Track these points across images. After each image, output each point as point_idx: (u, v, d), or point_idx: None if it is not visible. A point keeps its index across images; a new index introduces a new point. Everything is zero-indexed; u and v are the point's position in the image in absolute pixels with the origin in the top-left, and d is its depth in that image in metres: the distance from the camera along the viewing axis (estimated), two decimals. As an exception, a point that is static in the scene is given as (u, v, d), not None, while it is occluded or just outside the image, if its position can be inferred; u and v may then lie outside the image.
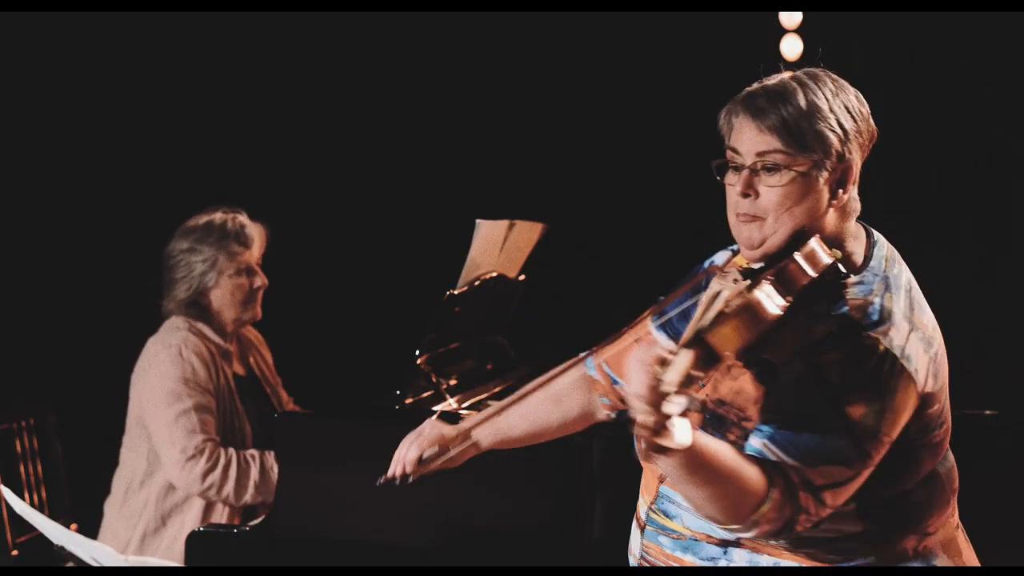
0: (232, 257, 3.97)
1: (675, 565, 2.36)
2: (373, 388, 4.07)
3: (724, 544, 2.31)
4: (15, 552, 4.00)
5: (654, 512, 2.39)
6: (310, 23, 5.36)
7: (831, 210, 2.29)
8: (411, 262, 5.36)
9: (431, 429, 2.57)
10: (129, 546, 3.87)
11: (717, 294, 2.10)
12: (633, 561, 2.46)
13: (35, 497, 4.13)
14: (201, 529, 3.66)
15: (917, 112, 5.13)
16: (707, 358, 2.03)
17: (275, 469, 3.77)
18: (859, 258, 2.31)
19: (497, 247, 4.09)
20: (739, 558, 2.30)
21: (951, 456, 2.39)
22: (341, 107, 5.54)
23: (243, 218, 4.03)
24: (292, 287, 4.53)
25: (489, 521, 3.45)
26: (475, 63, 5.50)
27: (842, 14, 5.16)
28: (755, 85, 2.32)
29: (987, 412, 3.70)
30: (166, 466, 3.83)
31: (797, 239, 2.25)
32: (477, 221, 3.95)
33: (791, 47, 5.23)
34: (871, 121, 2.32)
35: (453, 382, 3.99)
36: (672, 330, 2.44)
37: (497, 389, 4.06)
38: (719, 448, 2.11)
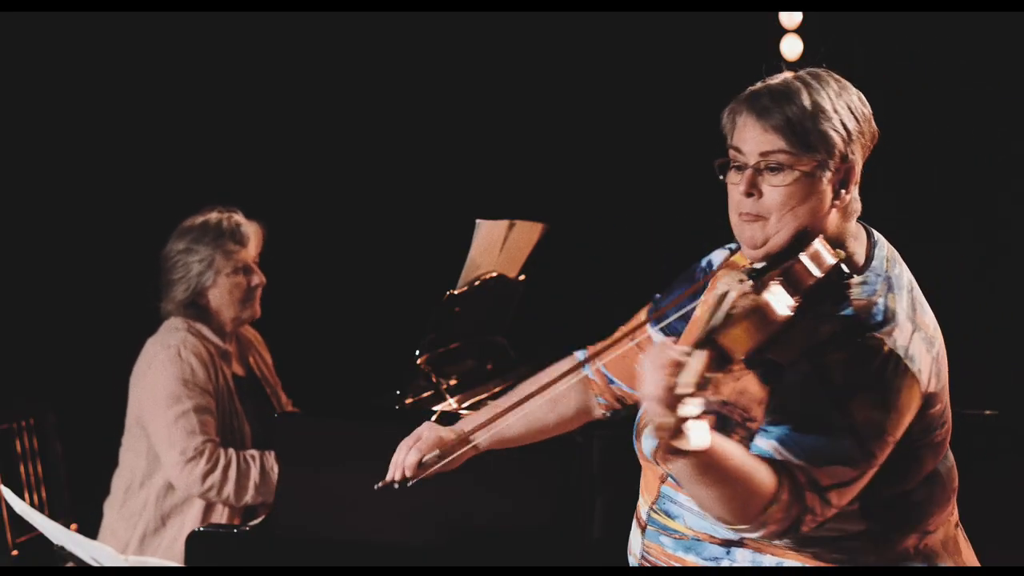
0: (229, 256, 3.97)
1: (677, 565, 2.35)
2: (373, 388, 4.07)
3: (727, 544, 2.30)
4: (15, 552, 4.00)
5: (655, 512, 2.39)
6: (308, 22, 5.36)
7: (833, 210, 2.29)
8: (411, 262, 5.36)
9: (429, 433, 2.55)
10: (129, 546, 3.87)
11: (724, 295, 2.09)
12: (633, 561, 2.46)
13: (35, 497, 4.13)
14: (201, 529, 3.65)
15: (917, 112, 5.12)
16: (719, 359, 2.01)
17: (275, 469, 3.77)
18: (861, 258, 2.31)
19: (497, 247, 4.09)
20: (742, 558, 2.30)
21: (951, 455, 2.39)
22: (340, 106, 5.53)
23: (238, 217, 4.03)
24: (291, 287, 4.53)
25: (489, 521, 3.44)
26: (475, 63, 5.50)
27: (842, 14, 5.16)
28: (758, 84, 2.31)
29: (987, 412, 3.69)
30: (166, 468, 3.83)
31: (799, 239, 2.24)
32: (477, 221, 3.95)
33: (791, 47, 5.23)
34: (873, 122, 2.32)
35: (453, 382, 3.99)
36: (672, 330, 2.44)
37: (497, 389, 4.06)
38: (730, 448, 2.10)
